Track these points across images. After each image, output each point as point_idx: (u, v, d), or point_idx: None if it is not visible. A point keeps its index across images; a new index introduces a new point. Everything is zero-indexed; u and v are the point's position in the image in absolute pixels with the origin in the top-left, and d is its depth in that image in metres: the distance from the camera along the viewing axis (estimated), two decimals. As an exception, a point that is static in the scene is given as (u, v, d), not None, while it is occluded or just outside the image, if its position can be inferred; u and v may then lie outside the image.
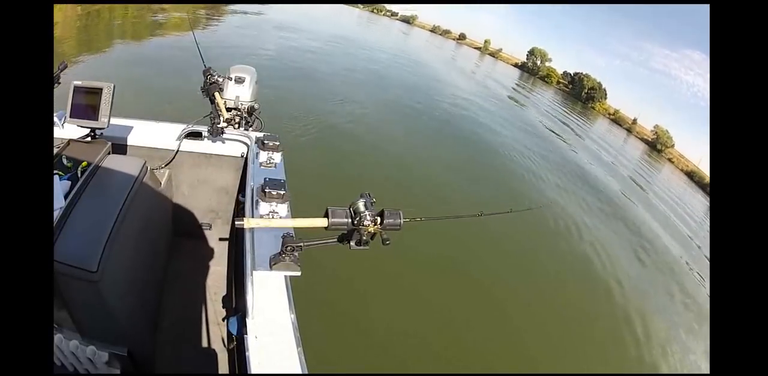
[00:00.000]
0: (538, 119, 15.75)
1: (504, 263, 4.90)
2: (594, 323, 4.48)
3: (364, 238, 1.20)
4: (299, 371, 1.05)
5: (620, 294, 5.23)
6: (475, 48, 46.69)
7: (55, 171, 1.52)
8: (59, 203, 1.38)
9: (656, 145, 31.13)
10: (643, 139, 32.39)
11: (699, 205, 16.88)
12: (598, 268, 5.70)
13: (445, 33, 49.32)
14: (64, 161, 1.62)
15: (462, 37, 48.66)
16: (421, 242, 4.09)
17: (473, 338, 3.52)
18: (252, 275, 1.26)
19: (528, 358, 3.58)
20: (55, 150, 1.64)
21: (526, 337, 3.81)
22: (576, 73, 39.73)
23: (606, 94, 37.11)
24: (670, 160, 29.47)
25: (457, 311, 3.78)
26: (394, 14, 50.49)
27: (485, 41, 46.58)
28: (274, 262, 1.29)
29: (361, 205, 1.18)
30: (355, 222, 1.18)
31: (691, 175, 26.02)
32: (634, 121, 34.75)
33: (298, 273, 1.30)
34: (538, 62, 42.25)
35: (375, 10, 49.61)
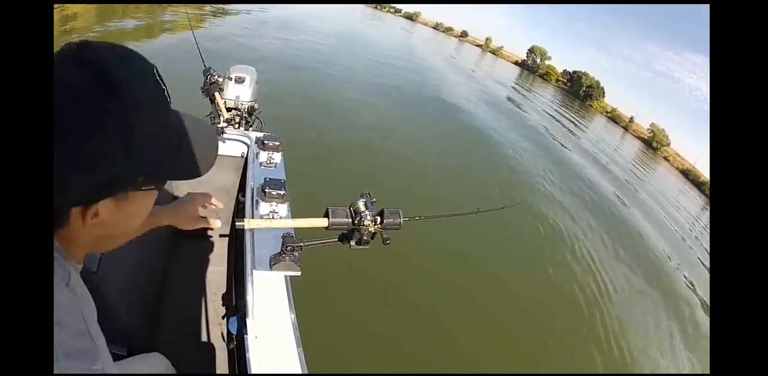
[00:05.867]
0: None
1: (502, 261, 4.90)
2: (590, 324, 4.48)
3: (365, 237, 1.20)
4: (299, 371, 1.05)
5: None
6: (476, 45, 47.12)
7: None
8: None
9: (652, 143, 31.61)
10: (639, 137, 32.83)
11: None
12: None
13: (448, 30, 49.86)
14: (64, 161, 1.61)
15: (464, 34, 49.09)
16: (421, 241, 4.08)
17: (474, 338, 3.52)
18: (252, 274, 1.26)
19: (529, 358, 3.58)
20: None
21: (526, 338, 3.81)
22: (575, 72, 39.83)
23: (604, 93, 37.31)
24: (665, 158, 29.91)
25: (458, 310, 3.78)
26: (397, 11, 51.14)
27: (486, 39, 47.02)
28: (274, 262, 1.29)
29: (361, 204, 1.18)
30: (356, 222, 1.18)
31: (687, 174, 26.40)
32: (631, 119, 35.04)
33: (299, 273, 1.30)
34: (538, 60, 42.39)
35: (378, 7, 50.21)
